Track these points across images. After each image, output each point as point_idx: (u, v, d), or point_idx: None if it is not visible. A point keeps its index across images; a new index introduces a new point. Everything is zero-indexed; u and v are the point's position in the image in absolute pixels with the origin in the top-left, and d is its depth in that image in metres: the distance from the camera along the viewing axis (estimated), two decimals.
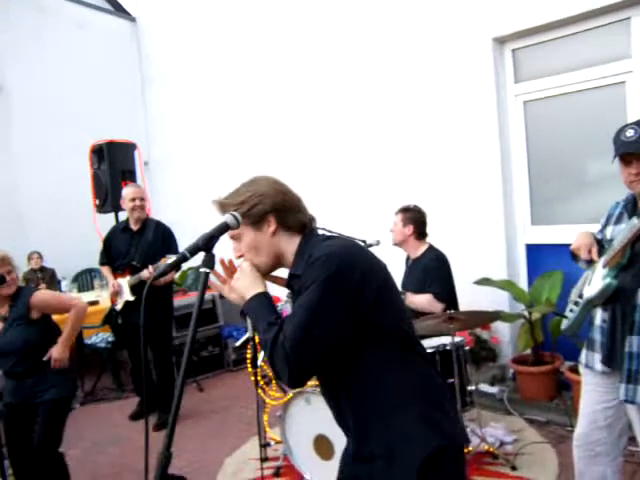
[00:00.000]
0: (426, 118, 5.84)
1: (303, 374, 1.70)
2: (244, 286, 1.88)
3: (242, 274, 1.90)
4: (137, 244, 5.36)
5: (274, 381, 4.40)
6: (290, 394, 4.03)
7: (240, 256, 1.95)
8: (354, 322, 1.72)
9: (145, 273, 5.08)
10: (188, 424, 5.29)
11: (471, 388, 4.08)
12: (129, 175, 6.16)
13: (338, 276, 1.70)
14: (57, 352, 3.62)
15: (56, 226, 8.14)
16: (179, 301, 6.49)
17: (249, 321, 1.82)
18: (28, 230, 8.21)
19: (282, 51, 7.31)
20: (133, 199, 5.35)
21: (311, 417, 3.92)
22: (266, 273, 1.96)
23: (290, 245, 1.91)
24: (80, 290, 8.23)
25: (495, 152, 5.41)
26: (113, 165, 6.11)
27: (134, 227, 5.44)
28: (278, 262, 1.94)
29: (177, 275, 6.85)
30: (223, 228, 1.74)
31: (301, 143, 7.11)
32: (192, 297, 6.87)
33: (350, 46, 6.45)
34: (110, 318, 6.07)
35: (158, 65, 9.51)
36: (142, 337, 3.11)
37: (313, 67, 6.92)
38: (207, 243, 1.61)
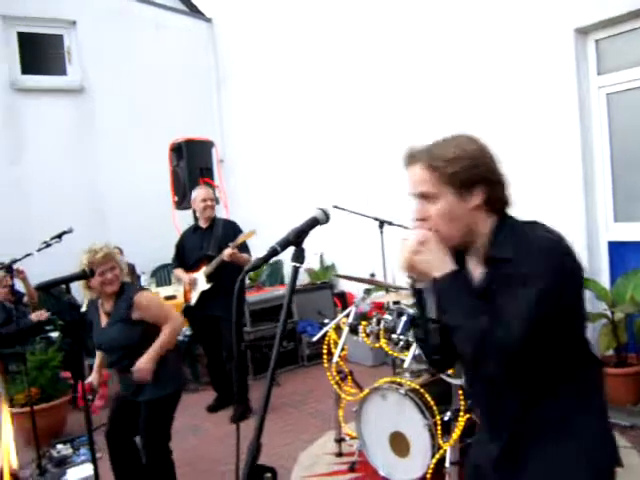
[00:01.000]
0: (506, 112, 5.72)
1: (512, 369, 1.58)
2: (432, 260, 1.65)
3: (429, 246, 1.65)
4: (209, 239, 5.55)
5: (350, 377, 4.40)
6: (366, 390, 4.04)
7: (421, 219, 1.69)
8: (566, 323, 1.60)
9: (226, 251, 5.20)
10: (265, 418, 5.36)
11: None
12: (207, 172, 6.30)
13: (565, 272, 1.57)
14: (142, 362, 3.46)
15: (136, 222, 8.40)
16: (254, 296, 6.60)
17: (430, 302, 1.69)
18: (109, 226, 8.51)
19: (351, 50, 7.32)
20: (204, 199, 5.55)
21: (387, 413, 3.91)
22: (452, 248, 1.69)
23: (485, 223, 1.68)
24: (158, 285, 8.47)
25: (576, 146, 5.25)
26: (191, 163, 6.27)
27: (204, 226, 5.66)
28: (467, 239, 1.70)
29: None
30: (312, 223, 1.67)
31: (370, 140, 7.09)
32: (266, 293, 6.95)
33: (426, 40, 6.39)
34: (188, 312, 6.19)
35: (233, 65, 9.68)
36: (234, 327, 3.11)
37: (381, 64, 6.91)
38: (297, 237, 1.60)
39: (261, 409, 1.50)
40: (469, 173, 1.62)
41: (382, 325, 4.07)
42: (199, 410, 5.77)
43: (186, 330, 6.55)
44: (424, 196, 1.67)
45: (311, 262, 7.75)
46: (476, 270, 1.72)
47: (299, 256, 1.59)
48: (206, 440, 5.12)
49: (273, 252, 1.59)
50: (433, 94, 6.37)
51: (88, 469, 4.72)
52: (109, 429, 3.78)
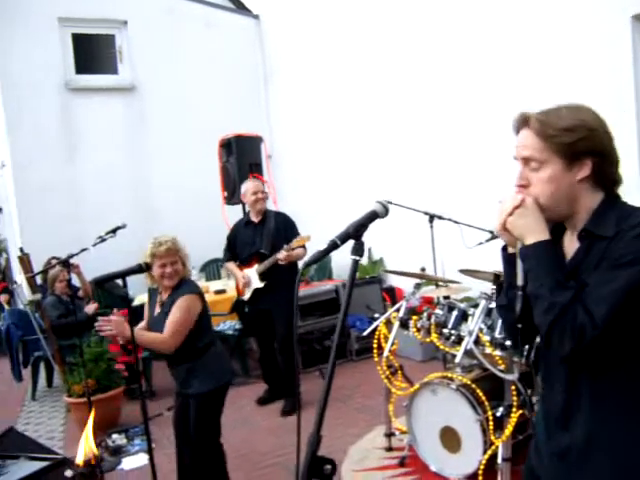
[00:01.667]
0: (561, 101, 5.59)
1: (586, 356, 1.53)
2: (526, 225, 1.61)
3: (527, 210, 1.60)
4: (261, 234, 5.55)
5: (400, 371, 4.39)
6: (417, 385, 4.03)
7: (522, 186, 1.66)
8: None
9: (280, 255, 5.23)
10: (313, 411, 5.40)
11: None
12: (256, 168, 6.36)
13: None
14: (126, 327, 3.39)
15: (186, 218, 8.53)
16: (302, 291, 6.63)
17: (520, 267, 1.65)
18: (159, 221, 8.66)
19: (400, 40, 7.26)
20: (255, 192, 5.55)
21: (438, 409, 3.90)
22: (547, 219, 1.63)
23: (590, 199, 1.63)
24: (208, 279, 8.60)
25: (633, 138, 5.12)
26: (241, 158, 6.33)
27: (256, 219, 5.64)
28: (567, 212, 1.64)
29: (301, 265, 6.97)
30: (372, 216, 1.68)
31: (419, 133, 7.04)
32: (315, 287, 6.98)
33: (476, 30, 6.31)
34: (237, 306, 6.27)
35: (280, 60, 9.73)
36: (295, 317, 3.10)
37: (430, 57, 6.84)
38: (357, 231, 1.61)
39: (321, 401, 1.51)
40: (581, 144, 1.58)
41: (433, 320, 4.06)
42: (249, 403, 5.84)
43: (236, 324, 6.64)
44: (529, 161, 1.64)
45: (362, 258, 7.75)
46: (572, 245, 1.67)
47: (359, 249, 1.60)
48: (256, 432, 5.18)
49: (333, 245, 1.60)
50: (486, 84, 6.28)
51: (142, 459, 4.84)
52: (174, 422, 3.85)
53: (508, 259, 1.74)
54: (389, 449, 4.46)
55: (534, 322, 1.61)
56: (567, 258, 1.67)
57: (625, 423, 1.59)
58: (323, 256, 1.59)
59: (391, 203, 4.55)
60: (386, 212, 1.71)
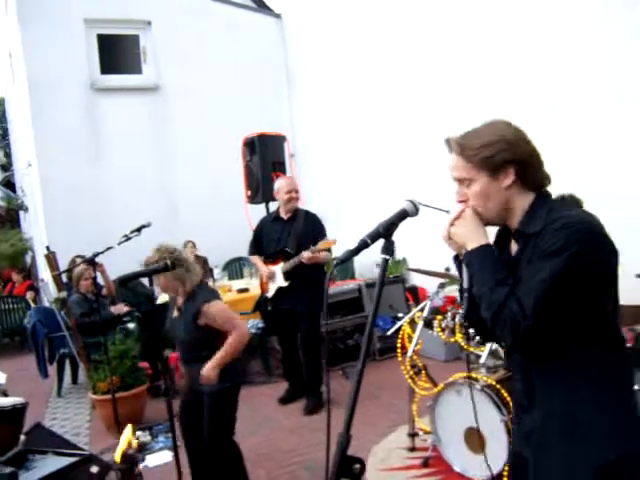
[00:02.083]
0: (599, 92, 5.50)
1: (526, 345, 1.66)
2: (466, 233, 1.77)
3: (465, 221, 1.78)
4: (289, 232, 5.52)
5: (424, 371, 4.37)
6: (441, 385, 4.01)
7: (462, 201, 1.82)
8: (588, 302, 1.65)
9: (305, 255, 5.22)
10: (337, 411, 5.38)
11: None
12: (279, 166, 6.36)
13: (589, 250, 1.61)
14: (207, 371, 3.53)
15: (209, 216, 8.58)
16: None
17: (465, 272, 1.80)
18: (183, 220, 8.72)
19: (421, 42, 7.24)
20: (289, 191, 5.52)
21: (462, 409, 3.87)
22: (487, 224, 1.81)
23: (521, 201, 1.77)
24: (230, 278, 8.63)
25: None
26: (264, 157, 6.34)
27: (285, 216, 5.61)
28: (503, 216, 1.80)
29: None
30: (402, 215, 1.72)
31: (441, 132, 6.98)
32: (338, 286, 6.96)
33: (509, 24, 6.26)
34: (260, 305, 6.28)
35: (302, 59, 9.74)
36: (326, 310, 3.10)
37: (451, 55, 6.81)
38: (387, 230, 1.62)
39: (351, 401, 1.51)
40: (499, 156, 1.72)
41: (457, 319, 4.03)
42: (271, 402, 5.83)
43: (258, 323, 6.64)
44: (461, 181, 1.81)
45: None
46: (514, 246, 1.83)
47: (389, 248, 1.60)
48: (278, 431, 5.18)
49: (363, 245, 1.60)
50: (511, 81, 6.23)
51: (166, 456, 4.87)
52: (182, 420, 3.87)
53: (459, 266, 1.88)
54: (412, 449, 4.43)
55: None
56: (512, 257, 1.82)
57: (574, 406, 1.69)
58: (353, 255, 1.59)
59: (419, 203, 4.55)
60: (416, 211, 1.72)
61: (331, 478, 1.43)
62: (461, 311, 4.05)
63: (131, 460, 1.36)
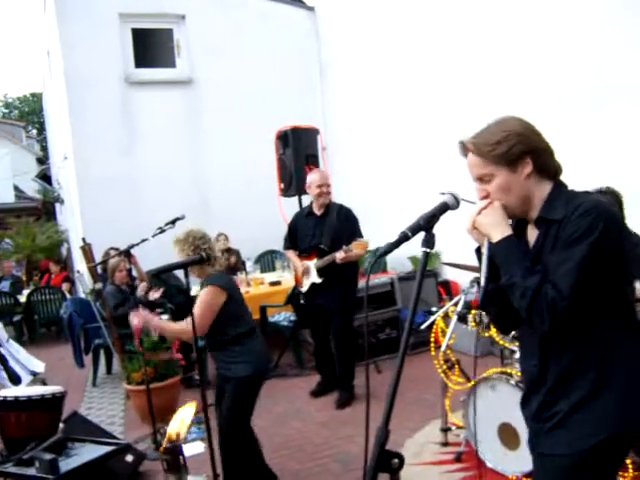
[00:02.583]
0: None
1: (561, 327, 1.74)
2: (492, 224, 1.84)
3: (491, 211, 1.85)
4: (322, 228, 5.50)
5: (457, 366, 4.34)
6: (475, 380, 3.98)
7: (484, 197, 1.90)
8: (610, 282, 1.76)
9: (338, 255, 5.21)
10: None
11: None
12: (312, 159, 6.36)
13: (612, 234, 1.72)
14: (137, 316, 3.72)
15: (242, 209, 8.62)
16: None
17: (484, 261, 1.87)
18: (215, 213, 8.76)
19: (457, 34, 7.16)
20: (320, 185, 5.49)
21: (496, 404, 3.84)
22: (511, 217, 1.90)
23: (540, 190, 1.87)
24: (263, 271, 8.66)
25: None
26: (297, 150, 6.34)
27: (318, 212, 5.59)
28: (526, 206, 1.88)
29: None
30: (443, 208, 1.75)
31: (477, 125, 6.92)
32: (370, 280, 6.92)
33: (541, 16, 6.17)
34: (292, 298, 6.30)
35: (335, 52, 9.71)
36: (365, 305, 3.09)
37: (487, 48, 6.72)
38: (428, 223, 1.63)
39: (390, 396, 1.51)
40: (515, 149, 1.81)
41: None
42: (303, 394, 5.86)
43: (291, 315, 6.67)
44: (481, 178, 1.90)
45: (415, 251, 7.68)
46: (533, 234, 1.91)
47: (429, 241, 1.60)
48: (310, 424, 5.19)
49: (404, 237, 1.60)
50: (548, 75, 6.14)
51: (199, 447, 4.91)
52: (216, 407, 3.95)
53: (481, 258, 1.94)
54: (445, 444, 4.41)
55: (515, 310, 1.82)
56: (530, 247, 1.90)
57: (586, 391, 1.80)
58: (394, 248, 1.59)
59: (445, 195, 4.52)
60: (457, 204, 1.72)
61: (369, 472, 1.42)
62: None
63: (176, 451, 1.37)
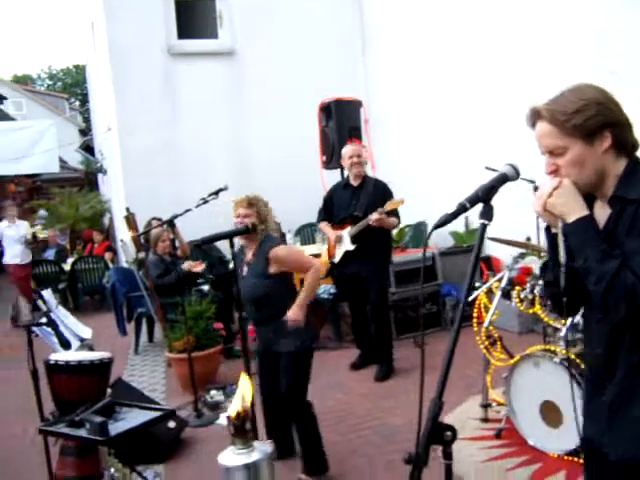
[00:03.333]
0: None
1: (634, 319, 1.62)
2: (566, 204, 1.70)
3: (564, 191, 1.69)
4: (358, 197, 5.55)
5: (499, 342, 4.30)
6: (518, 356, 3.94)
7: (552, 172, 1.75)
8: None
9: (373, 216, 5.22)
10: (408, 378, 5.42)
11: None
12: (355, 132, 6.32)
13: None
14: (293, 313, 3.58)
15: (282, 181, 8.60)
16: (398, 257, 6.58)
17: (562, 245, 1.75)
18: (256, 184, 8.68)
19: (498, 6, 6.99)
20: (351, 156, 5.55)
21: (539, 382, 3.80)
22: (584, 194, 1.74)
23: (615, 167, 1.72)
24: (303, 243, 8.68)
25: None
26: (340, 122, 6.31)
27: (354, 183, 5.63)
28: (596, 184, 1.74)
29: (395, 232, 6.92)
30: (502, 179, 1.67)
31: (523, 98, 6.76)
32: (411, 254, 6.90)
33: None
34: (332, 270, 6.29)
35: (379, 23, 9.58)
36: (421, 280, 3.10)
37: (526, 21, 6.54)
38: (487, 194, 1.58)
39: (444, 367, 1.51)
40: (593, 120, 1.66)
41: (537, 291, 3.94)
42: (343, 367, 5.88)
43: (330, 288, 6.67)
44: (552, 150, 1.73)
45: (456, 226, 7.61)
46: (603, 212, 1.75)
47: (488, 213, 1.56)
48: (351, 397, 5.22)
49: (462, 209, 1.57)
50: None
51: None
52: (260, 382, 3.92)
53: (551, 239, 1.82)
54: (485, 420, 4.39)
55: (580, 294, 1.74)
56: (600, 225, 1.74)
57: None
58: (452, 219, 1.57)
59: (490, 170, 4.43)
60: (517, 175, 1.67)
61: (422, 443, 1.42)
62: (541, 283, 3.95)
63: (245, 416, 1.38)
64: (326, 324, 6.79)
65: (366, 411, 4.83)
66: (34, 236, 9.75)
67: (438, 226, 1.59)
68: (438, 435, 1.45)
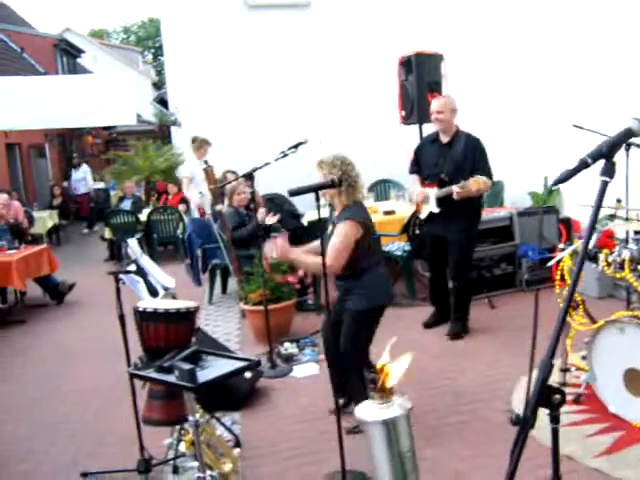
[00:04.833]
0: None
1: None
2: None
3: None
4: (446, 157, 5.31)
5: (582, 306, 4.18)
6: (601, 321, 3.82)
7: None
8: None
9: (455, 189, 5.07)
10: (480, 338, 5.38)
11: None
12: (435, 87, 6.16)
13: None
14: (284, 248, 3.66)
15: (357, 136, 8.53)
16: None
17: None
18: (333, 139, 8.71)
19: None
20: (432, 112, 5.34)
21: (624, 348, 3.68)
22: None
23: None
24: (377, 199, 8.60)
25: None
26: (420, 77, 6.16)
27: (444, 139, 5.39)
28: None
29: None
30: (627, 135, 1.56)
31: (604, 60, 6.43)
32: (488, 213, 6.74)
33: None
34: (408, 228, 6.23)
35: None
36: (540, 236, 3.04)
37: None
38: (610, 150, 1.50)
39: (557, 329, 1.45)
40: None
41: (626, 255, 3.78)
42: (414, 325, 5.84)
43: (405, 245, 6.62)
44: None
45: (535, 186, 7.39)
46: None
47: (610, 170, 1.48)
48: (423, 354, 5.17)
49: (583, 164, 1.50)
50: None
51: (313, 368, 5.05)
52: (325, 331, 4.04)
53: None
54: (564, 384, 4.29)
55: None
56: None
57: None
58: (573, 175, 1.50)
59: (579, 128, 4.24)
60: None
61: (530, 405, 1.38)
62: (633, 246, 3.80)
63: (387, 371, 1.40)
64: (399, 281, 6.75)
65: (438, 370, 4.81)
66: None
67: (558, 182, 1.52)
68: (547, 398, 1.41)
